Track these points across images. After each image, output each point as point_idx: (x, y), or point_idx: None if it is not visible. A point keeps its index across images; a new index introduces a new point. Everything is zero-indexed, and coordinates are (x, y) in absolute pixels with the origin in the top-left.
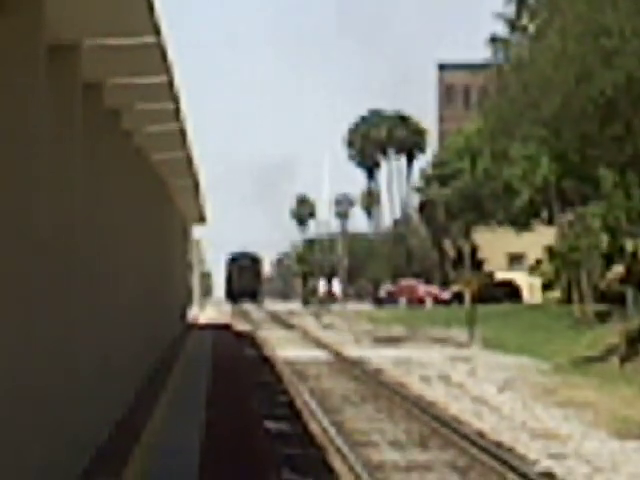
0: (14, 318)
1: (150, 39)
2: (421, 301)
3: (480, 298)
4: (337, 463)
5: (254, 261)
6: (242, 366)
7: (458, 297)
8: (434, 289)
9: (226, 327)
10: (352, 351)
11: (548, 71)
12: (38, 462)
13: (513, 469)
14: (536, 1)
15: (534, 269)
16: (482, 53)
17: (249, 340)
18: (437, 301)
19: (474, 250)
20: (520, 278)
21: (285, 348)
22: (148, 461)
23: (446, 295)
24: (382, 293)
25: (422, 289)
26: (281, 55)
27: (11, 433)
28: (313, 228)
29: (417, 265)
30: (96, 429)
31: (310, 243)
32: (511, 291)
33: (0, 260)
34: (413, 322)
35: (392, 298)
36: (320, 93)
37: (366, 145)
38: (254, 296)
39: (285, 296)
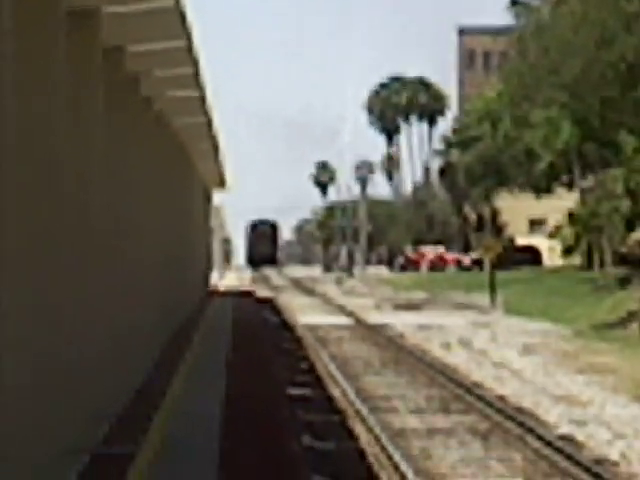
0: (38, 285)
1: (169, 2)
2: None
3: (501, 263)
4: (358, 428)
5: (272, 228)
6: (263, 332)
7: (478, 262)
8: (444, 254)
9: (247, 294)
10: (373, 317)
11: (568, 36)
12: (57, 432)
13: (534, 434)
14: None
15: (554, 234)
16: (503, 18)
17: (270, 306)
18: (458, 265)
19: (495, 215)
20: (541, 243)
21: (306, 314)
22: (169, 425)
23: (467, 260)
24: (400, 261)
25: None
26: (302, 19)
27: (33, 404)
28: (334, 194)
29: (438, 230)
30: (117, 395)
31: (331, 209)
32: (532, 256)
33: (25, 223)
34: (434, 287)
35: (409, 265)
36: (342, 58)
37: (386, 110)
38: (273, 262)
39: (306, 262)
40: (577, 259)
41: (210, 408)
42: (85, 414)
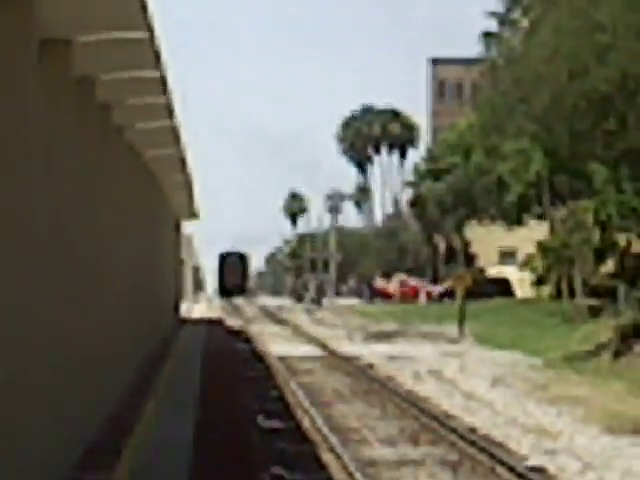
0: (6, 312)
1: (142, 34)
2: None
3: (471, 293)
4: (328, 458)
5: (242, 259)
6: (234, 361)
7: (449, 293)
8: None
9: (218, 323)
10: (344, 347)
11: (540, 67)
12: (34, 455)
13: (504, 464)
14: None
15: (525, 264)
16: (474, 48)
17: (241, 335)
18: (428, 297)
19: (466, 245)
20: (511, 273)
21: (277, 343)
22: (142, 455)
23: (437, 290)
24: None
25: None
26: (274, 50)
27: (7, 426)
28: (303, 224)
29: (409, 260)
30: (88, 423)
31: (302, 238)
32: (503, 287)
33: None
34: (405, 317)
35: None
36: (314, 87)
37: (358, 140)
38: (242, 291)
39: (277, 292)
40: (548, 290)
41: (180, 437)
42: (54, 441)
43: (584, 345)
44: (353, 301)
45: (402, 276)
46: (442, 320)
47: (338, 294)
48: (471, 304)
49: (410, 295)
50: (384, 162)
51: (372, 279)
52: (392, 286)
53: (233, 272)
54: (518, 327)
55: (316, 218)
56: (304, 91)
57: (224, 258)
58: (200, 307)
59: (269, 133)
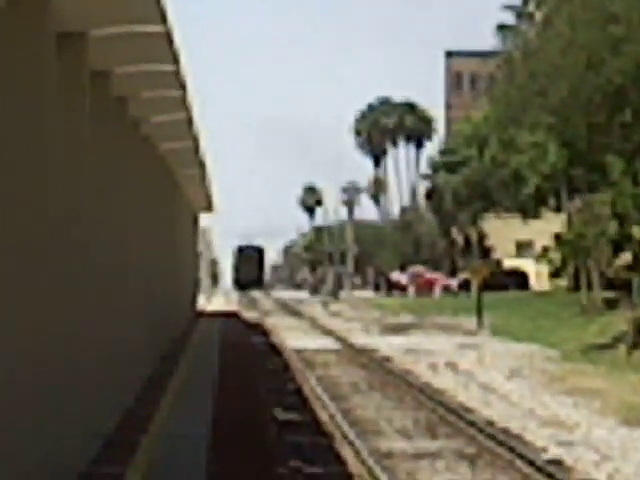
0: (25, 306)
1: (157, 27)
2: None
3: (488, 286)
4: (345, 451)
5: (258, 252)
6: (251, 354)
7: (466, 285)
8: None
9: (235, 316)
10: (361, 339)
11: (556, 59)
12: (48, 453)
13: (521, 457)
14: None
15: (541, 256)
16: (490, 41)
17: (257, 328)
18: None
19: (482, 238)
20: (528, 265)
21: (293, 336)
22: (157, 447)
23: (454, 283)
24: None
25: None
26: (291, 41)
27: (19, 425)
28: (320, 216)
29: (425, 253)
30: (104, 419)
31: (318, 231)
32: (519, 279)
33: (10, 246)
34: (421, 310)
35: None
36: (329, 80)
37: (374, 133)
38: (259, 284)
39: (293, 285)
40: (564, 282)
41: (197, 430)
42: (74, 435)
43: (600, 337)
44: (370, 294)
45: (417, 268)
46: (458, 312)
47: (355, 287)
48: (488, 296)
49: (425, 288)
50: (400, 155)
51: (388, 272)
52: (405, 278)
53: (249, 265)
54: (535, 319)
55: (332, 211)
56: (321, 83)
57: (240, 252)
58: (217, 300)
59: (285, 126)
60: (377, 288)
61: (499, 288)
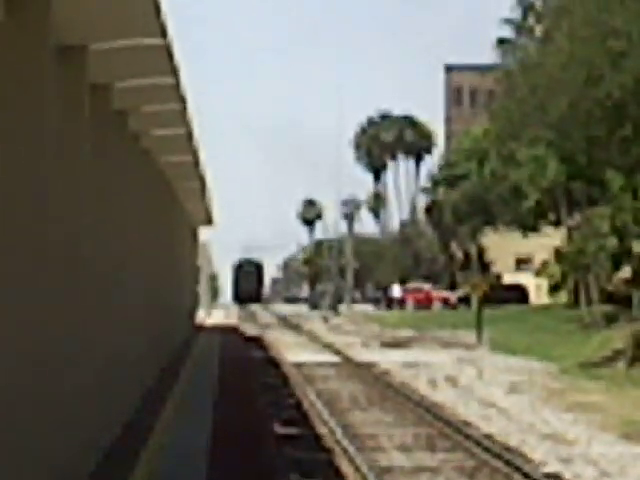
0: (25, 319)
1: (157, 41)
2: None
3: (487, 300)
4: (345, 467)
5: (257, 267)
6: (250, 369)
7: (465, 300)
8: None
9: (234, 330)
10: (360, 354)
11: (556, 73)
12: (47, 463)
13: (521, 472)
14: (543, 4)
15: (541, 271)
16: (489, 56)
17: (257, 343)
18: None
19: (481, 253)
20: (527, 280)
21: (293, 351)
22: (156, 460)
23: (453, 298)
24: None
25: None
26: (288, 54)
27: (14, 433)
28: (320, 230)
29: (425, 268)
30: (103, 431)
31: (317, 246)
32: (519, 294)
33: (8, 262)
34: (421, 325)
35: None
36: (328, 94)
37: (373, 147)
38: (258, 299)
39: (292, 299)
40: (564, 297)
41: (197, 444)
42: (72, 447)
43: (600, 352)
44: (369, 308)
45: (416, 284)
46: (458, 327)
47: (354, 301)
48: (487, 311)
49: (424, 302)
50: (400, 169)
51: (388, 287)
52: (400, 292)
53: (248, 280)
54: (534, 334)
55: (332, 225)
56: (320, 97)
57: (240, 267)
58: (216, 314)
59: (285, 139)
60: (376, 302)
61: (499, 302)
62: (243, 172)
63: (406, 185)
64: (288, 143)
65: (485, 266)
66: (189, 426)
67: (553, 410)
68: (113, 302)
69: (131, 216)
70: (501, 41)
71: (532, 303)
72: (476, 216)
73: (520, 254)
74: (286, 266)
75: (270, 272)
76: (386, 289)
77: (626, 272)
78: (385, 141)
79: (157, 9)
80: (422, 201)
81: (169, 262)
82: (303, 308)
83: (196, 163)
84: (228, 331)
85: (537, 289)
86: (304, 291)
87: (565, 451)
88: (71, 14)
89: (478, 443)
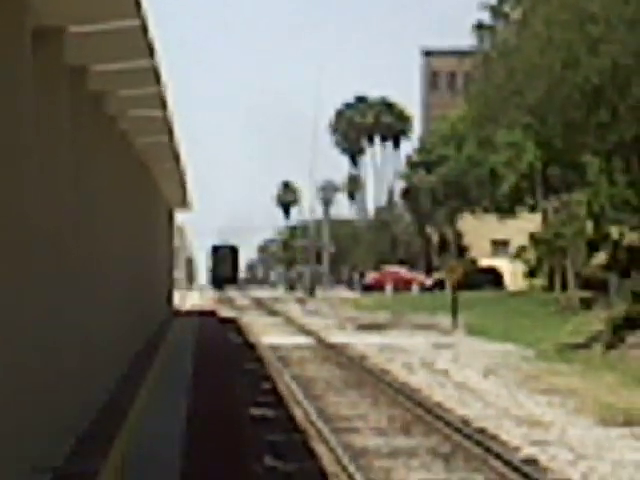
0: (4, 302)
1: (134, 23)
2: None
3: (462, 285)
4: (320, 449)
5: (233, 251)
6: (226, 351)
7: (440, 284)
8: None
9: (211, 313)
10: (335, 337)
11: (534, 58)
12: (24, 449)
13: (496, 455)
14: None
15: (517, 256)
16: (467, 40)
17: (233, 326)
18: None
19: (458, 237)
20: (503, 265)
21: (269, 334)
22: (131, 443)
23: (428, 282)
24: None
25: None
26: (265, 39)
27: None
28: (296, 214)
29: (402, 252)
30: (80, 413)
31: (294, 229)
32: (494, 278)
33: None
34: (398, 308)
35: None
36: (305, 77)
37: (350, 131)
38: (234, 282)
39: (268, 282)
40: (539, 281)
41: (172, 427)
42: (48, 431)
43: (576, 337)
44: (346, 292)
45: (394, 268)
46: (435, 311)
47: (330, 284)
48: (463, 295)
49: (402, 286)
50: (377, 153)
51: (364, 270)
52: (371, 279)
53: (224, 264)
54: (510, 318)
55: (308, 208)
56: (296, 80)
57: (215, 251)
58: (193, 297)
59: (260, 123)
60: (349, 285)
61: (473, 287)
62: (221, 156)
63: (383, 169)
64: (266, 127)
65: (461, 250)
66: (164, 408)
67: (529, 394)
68: (88, 285)
69: (107, 198)
70: (479, 26)
71: (508, 287)
72: (453, 200)
73: (497, 238)
74: (263, 249)
75: (248, 255)
76: (363, 273)
77: (602, 257)
78: (362, 124)
79: None
80: (399, 185)
81: (145, 245)
82: (279, 291)
83: (172, 146)
84: (205, 314)
85: (513, 273)
86: (274, 275)
87: (541, 435)
88: None
89: (454, 426)
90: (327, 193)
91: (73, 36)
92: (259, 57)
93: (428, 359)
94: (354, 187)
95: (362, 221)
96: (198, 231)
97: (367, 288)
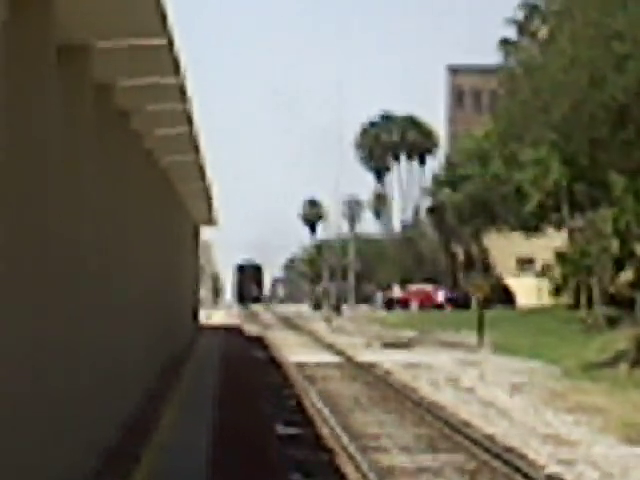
0: (20, 319)
1: (161, 40)
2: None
3: (488, 302)
4: (347, 467)
5: (257, 270)
6: (252, 369)
7: (453, 300)
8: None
9: (236, 330)
10: (362, 355)
11: (559, 75)
12: (45, 464)
13: (523, 474)
14: (547, 6)
15: (543, 273)
16: (492, 57)
17: (259, 343)
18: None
19: (484, 254)
20: (529, 282)
21: (295, 351)
22: (158, 460)
23: (440, 298)
24: (378, 298)
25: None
26: (289, 54)
27: (15, 434)
28: (322, 231)
29: (427, 269)
30: (104, 430)
31: (320, 246)
32: (505, 296)
33: (11, 261)
34: (423, 325)
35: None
36: (332, 93)
37: (375, 148)
38: (258, 300)
39: (294, 299)
40: (565, 299)
41: (199, 445)
42: (74, 448)
43: (602, 354)
44: (372, 309)
45: (419, 286)
46: (461, 328)
47: (357, 302)
48: (489, 312)
49: (428, 303)
50: (402, 170)
51: (387, 287)
52: (399, 292)
53: (249, 283)
54: (536, 336)
55: (334, 225)
56: (322, 96)
57: (242, 269)
58: (219, 314)
59: (286, 139)
60: (367, 301)
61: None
62: (247, 172)
63: (408, 186)
64: (292, 143)
65: (487, 267)
66: (192, 426)
67: (555, 412)
68: (113, 302)
69: (133, 216)
70: (504, 42)
71: (517, 304)
72: (478, 217)
73: (522, 256)
74: (288, 267)
75: (273, 272)
76: (384, 290)
77: (628, 274)
78: (388, 141)
79: (160, 8)
80: (425, 202)
81: (171, 262)
82: (305, 308)
83: (198, 162)
84: (230, 331)
85: (538, 291)
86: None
87: (567, 453)
88: (74, 13)
89: (479, 444)
90: (352, 210)
91: (99, 53)
92: (285, 74)
93: (454, 376)
94: (380, 204)
95: (388, 238)
96: (224, 247)
97: (389, 303)
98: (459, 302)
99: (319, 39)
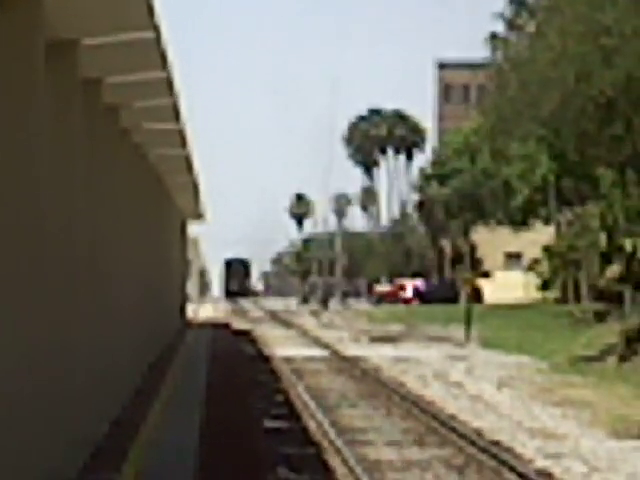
0: (14, 316)
1: (148, 35)
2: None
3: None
4: (334, 461)
5: (244, 265)
6: (240, 364)
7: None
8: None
9: (224, 325)
10: (349, 349)
11: (547, 70)
12: (39, 461)
13: (510, 468)
14: (536, 1)
15: (531, 268)
16: (481, 52)
17: (247, 338)
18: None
19: (472, 249)
20: (517, 276)
21: (283, 346)
22: (146, 455)
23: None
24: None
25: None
26: (277, 51)
27: (11, 432)
28: (310, 226)
29: (415, 264)
30: (93, 427)
31: (307, 241)
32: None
33: (6, 255)
34: (411, 320)
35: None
36: (320, 89)
37: (364, 143)
38: (245, 294)
39: (283, 294)
40: (553, 293)
41: (186, 439)
42: (64, 443)
43: (590, 349)
44: (360, 304)
45: (407, 280)
46: (449, 322)
47: (344, 297)
48: (477, 307)
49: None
50: (390, 165)
51: (374, 282)
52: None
53: (236, 278)
54: (524, 331)
55: (322, 220)
56: (311, 92)
57: (229, 265)
58: (206, 309)
59: (274, 135)
60: (345, 295)
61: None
62: (235, 167)
63: (397, 181)
64: (280, 139)
65: (475, 262)
66: (179, 420)
67: (543, 406)
68: (99, 297)
69: (120, 210)
70: (493, 36)
71: (484, 301)
72: (467, 212)
73: (510, 250)
74: (276, 261)
75: (261, 266)
76: (371, 285)
77: (616, 269)
78: (376, 137)
79: (149, 3)
80: (413, 197)
81: (158, 256)
82: (293, 303)
83: (186, 157)
84: (218, 326)
85: (526, 285)
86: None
87: (555, 447)
88: (63, 8)
89: (467, 438)
90: (340, 205)
91: (87, 48)
92: (276, 69)
93: (442, 371)
94: (368, 199)
95: (376, 233)
96: (212, 242)
97: (379, 299)
98: (438, 296)
99: (311, 35)
